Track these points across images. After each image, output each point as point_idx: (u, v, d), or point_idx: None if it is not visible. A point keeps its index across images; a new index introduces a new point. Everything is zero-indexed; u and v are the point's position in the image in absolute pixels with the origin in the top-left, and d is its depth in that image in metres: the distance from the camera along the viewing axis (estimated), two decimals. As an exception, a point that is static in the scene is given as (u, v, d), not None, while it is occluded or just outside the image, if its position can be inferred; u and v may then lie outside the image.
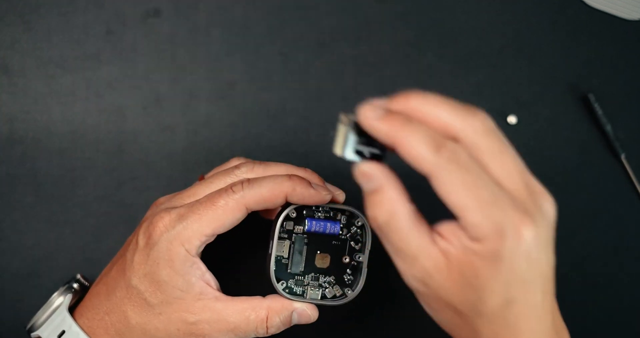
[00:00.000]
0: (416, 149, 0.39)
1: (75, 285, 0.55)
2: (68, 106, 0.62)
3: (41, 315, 0.53)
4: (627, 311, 0.64)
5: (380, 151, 0.42)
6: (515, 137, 0.63)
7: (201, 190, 0.52)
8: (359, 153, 0.42)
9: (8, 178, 0.61)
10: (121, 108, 0.63)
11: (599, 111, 0.63)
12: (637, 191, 0.63)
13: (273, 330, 0.50)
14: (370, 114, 0.40)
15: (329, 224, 0.52)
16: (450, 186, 0.39)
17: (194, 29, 0.63)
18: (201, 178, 0.56)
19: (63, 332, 0.51)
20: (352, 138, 0.42)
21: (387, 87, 0.63)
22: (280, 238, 0.51)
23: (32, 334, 0.53)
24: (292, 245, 0.52)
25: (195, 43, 0.63)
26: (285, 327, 0.51)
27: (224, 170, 0.53)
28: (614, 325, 0.64)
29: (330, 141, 0.63)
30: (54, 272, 0.61)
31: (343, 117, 0.42)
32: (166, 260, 0.48)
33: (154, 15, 0.63)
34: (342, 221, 0.52)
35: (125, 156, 0.62)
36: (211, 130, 0.63)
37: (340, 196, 0.53)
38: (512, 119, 0.64)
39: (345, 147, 0.42)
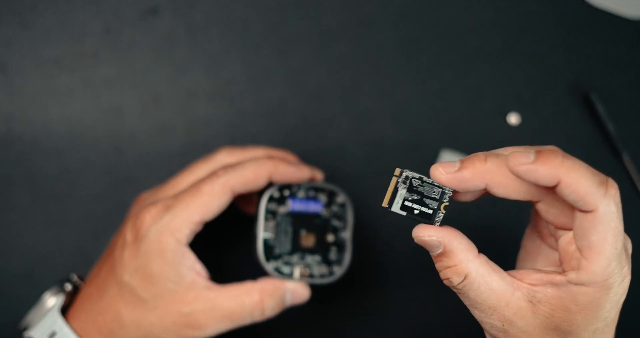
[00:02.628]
0: (584, 185, 0.38)
1: (68, 286, 0.55)
2: (66, 105, 0.62)
3: (33, 316, 0.53)
4: (628, 311, 0.63)
5: (432, 210, 0.42)
6: (516, 136, 0.63)
7: (183, 180, 0.53)
8: (406, 208, 0.42)
9: (5, 177, 0.61)
10: (119, 107, 0.62)
11: (601, 110, 0.63)
12: (638, 190, 0.63)
13: (269, 312, 0.51)
14: (522, 159, 0.39)
15: (311, 203, 0.53)
16: (604, 228, 0.39)
17: (193, 28, 0.63)
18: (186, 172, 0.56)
19: (54, 333, 0.51)
20: (402, 193, 0.42)
21: (386, 86, 0.63)
22: (265, 219, 0.52)
23: (24, 334, 0.53)
24: (277, 226, 0.52)
25: (194, 42, 0.63)
26: (280, 309, 0.51)
27: (203, 159, 0.54)
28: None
29: (329, 140, 0.63)
30: (52, 272, 0.61)
31: (397, 171, 0.42)
32: (157, 252, 0.49)
33: (153, 14, 0.63)
34: (324, 200, 0.53)
35: (123, 155, 0.62)
36: (210, 129, 0.62)
37: (319, 175, 0.54)
38: (513, 119, 0.63)
39: (394, 201, 0.42)
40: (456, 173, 0.41)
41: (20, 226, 0.61)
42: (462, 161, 0.41)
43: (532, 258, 0.46)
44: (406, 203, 0.42)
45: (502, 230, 0.63)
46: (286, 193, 0.52)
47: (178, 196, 0.50)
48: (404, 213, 0.42)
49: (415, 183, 0.42)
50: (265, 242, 0.52)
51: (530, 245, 0.46)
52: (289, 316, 0.57)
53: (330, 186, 0.53)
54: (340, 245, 0.53)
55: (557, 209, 0.42)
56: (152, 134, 0.62)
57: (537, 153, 0.39)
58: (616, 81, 0.64)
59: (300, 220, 0.53)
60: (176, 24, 0.63)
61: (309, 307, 0.56)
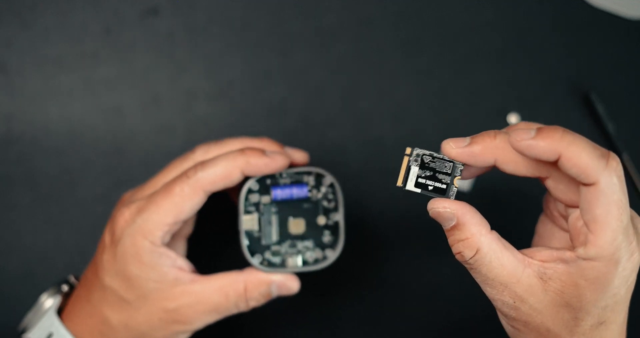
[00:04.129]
0: (584, 158, 0.39)
1: (65, 287, 0.54)
2: (66, 105, 0.62)
3: (31, 318, 0.53)
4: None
5: (445, 185, 0.43)
6: (516, 137, 0.63)
7: (160, 180, 0.52)
8: (420, 185, 0.43)
9: (5, 178, 0.61)
10: (119, 108, 0.62)
11: (601, 110, 0.63)
12: (638, 190, 0.63)
13: (253, 303, 0.50)
14: (523, 135, 0.40)
15: (294, 189, 0.51)
16: (607, 200, 0.39)
17: (193, 28, 0.63)
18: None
19: (51, 335, 0.51)
20: (415, 171, 0.43)
21: (386, 86, 0.63)
22: (247, 212, 0.51)
23: (23, 336, 0.53)
24: (260, 217, 0.51)
25: (194, 42, 0.63)
26: (266, 300, 0.51)
27: (181, 157, 0.53)
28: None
29: (329, 140, 0.63)
30: (52, 272, 0.61)
31: (408, 150, 0.43)
32: (133, 255, 0.48)
33: (153, 14, 0.63)
34: (310, 183, 0.51)
35: (123, 155, 0.62)
36: (210, 130, 0.62)
37: (302, 157, 0.52)
38: (513, 119, 0.63)
39: (407, 179, 0.43)
40: (466, 147, 0.42)
41: (20, 226, 0.61)
42: (472, 137, 0.42)
43: (545, 242, 0.47)
44: (419, 180, 0.43)
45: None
46: (268, 181, 0.51)
47: (150, 198, 0.49)
48: (419, 190, 0.43)
49: (427, 159, 0.43)
50: (250, 235, 0.51)
51: (542, 229, 0.47)
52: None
53: (313, 169, 0.51)
54: (332, 228, 0.52)
55: (565, 186, 0.43)
56: (153, 134, 0.62)
57: (538, 129, 0.40)
58: (616, 81, 0.64)
59: (287, 207, 0.51)
60: (176, 24, 0.63)
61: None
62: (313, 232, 0.51)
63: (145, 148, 0.62)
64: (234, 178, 0.49)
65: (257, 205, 0.51)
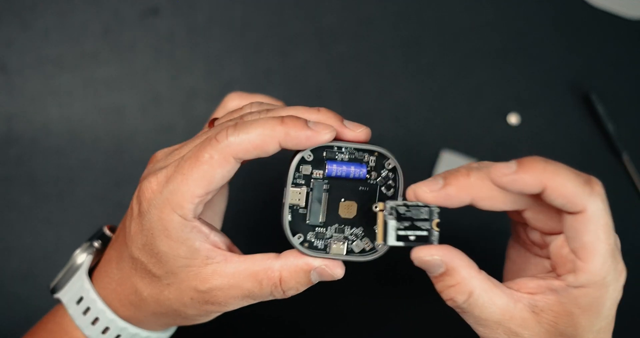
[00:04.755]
0: (570, 188, 0.38)
1: (96, 244, 0.50)
2: (66, 105, 0.62)
3: (63, 275, 0.49)
4: (628, 312, 0.63)
5: (426, 231, 0.41)
6: (516, 136, 0.63)
7: (196, 141, 0.46)
8: (401, 238, 0.41)
9: (5, 178, 0.61)
10: (119, 108, 0.62)
11: (601, 110, 0.63)
12: (638, 190, 0.63)
13: (292, 293, 0.44)
14: (505, 170, 0.39)
15: (353, 167, 0.45)
16: (595, 227, 0.39)
17: (193, 28, 0.63)
18: (211, 124, 0.48)
19: (82, 299, 0.47)
20: (393, 224, 0.41)
21: (386, 86, 0.63)
22: (296, 184, 0.44)
23: (54, 296, 0.49)
24: (309, 193, 0.45)
25: (194, 42, 0.63)
26: (306, 287, 0.44)
27: (229, 112, 0.47)
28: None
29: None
30: (52, 273, 0.60)
31: (381, 205, 0.41)
32: (160, 230, 0.43)
33: (153, 14, 0.63)
34: (370, 164, 0.45)
35: (123, 155, 0.62)
36: (210, 130, 0.62)
37: (362, 134, 0.44)
38: (513, 119, 0.63)
39: (388, 235, 0.41)
40: (441, 190, 0.40)
41: (20, 227, 0.61)
42: (445, 178, 0.40)
43: (521, 268, 0.45)
44: (399, 232, 0.41)
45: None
46: (324, 154, 0.44)
47: (178, 165, 0.43)
48: (402, 244, 0.41)
49: (402, 210, 0.41)
50: (295, 211, 0.45)
51: (515, 255, 0.46)
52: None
53: (377, 149, 0.45)
54: None
55: (545, 215, 0.42)
56: (153, 134, 0.62)
57: (519, 162, 0.39)
58: (616, 81, 0.64)
59: (340, 187, 0.45)
60: (176, 24, 0.63)
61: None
62: (364, 219, 0.45)
63: (145, 148, 0.62)
64: (269, 149, 0.42)
65: (307, 178, 0.45)
